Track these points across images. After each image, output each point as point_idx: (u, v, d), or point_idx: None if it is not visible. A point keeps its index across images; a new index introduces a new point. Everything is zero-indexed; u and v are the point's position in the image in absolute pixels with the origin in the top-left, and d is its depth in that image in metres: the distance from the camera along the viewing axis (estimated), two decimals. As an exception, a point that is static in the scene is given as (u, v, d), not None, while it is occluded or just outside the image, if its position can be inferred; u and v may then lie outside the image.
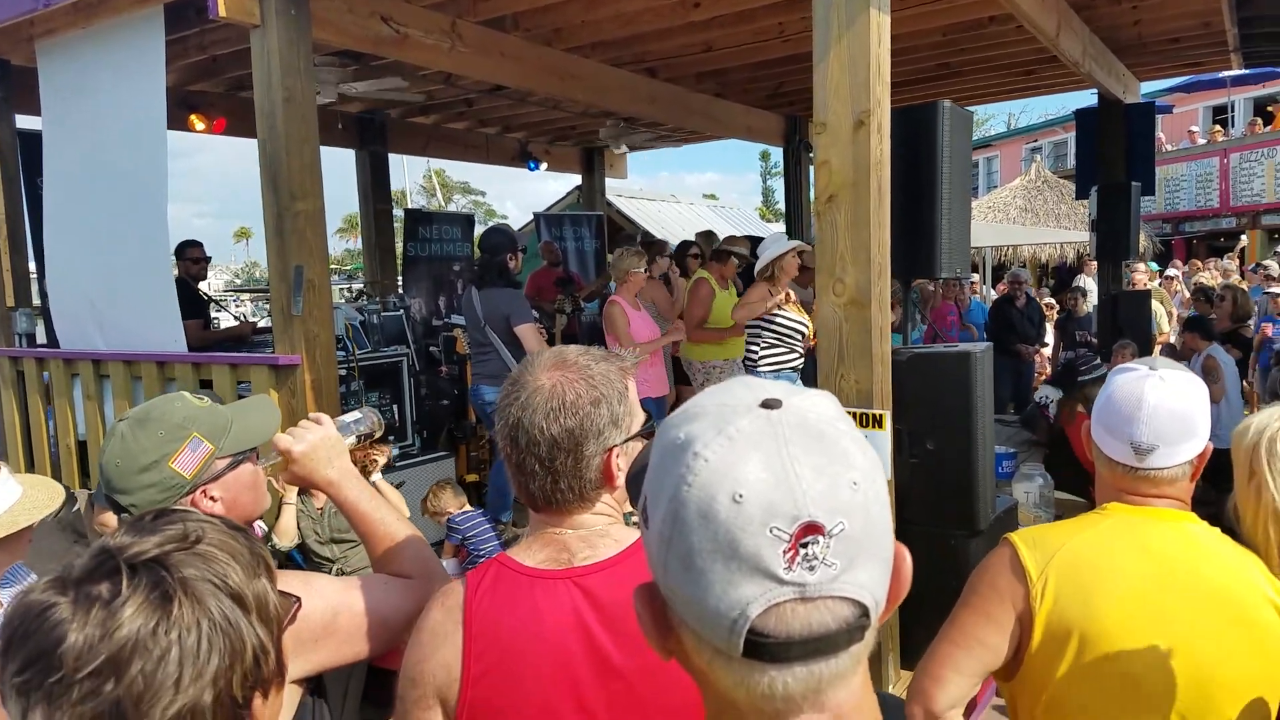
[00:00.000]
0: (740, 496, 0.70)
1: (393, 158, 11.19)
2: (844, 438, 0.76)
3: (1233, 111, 24.37)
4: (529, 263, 10.70)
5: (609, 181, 13.49)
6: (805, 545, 0.70)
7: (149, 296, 5.53)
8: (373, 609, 1.73)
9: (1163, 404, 1.77)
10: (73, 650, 0.97)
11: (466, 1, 6.05)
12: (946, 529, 4.31)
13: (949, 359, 4.41)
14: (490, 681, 1.47)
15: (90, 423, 6.08)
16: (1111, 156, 8.56)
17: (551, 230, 12.36)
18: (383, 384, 6.96)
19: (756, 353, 6.59)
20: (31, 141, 6.60)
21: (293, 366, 5.03)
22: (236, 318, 9.30)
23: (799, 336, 6.56)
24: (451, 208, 45.85)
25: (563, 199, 16.10)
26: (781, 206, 13.28)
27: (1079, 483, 5.66)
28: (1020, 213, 19.86)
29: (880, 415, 3.90)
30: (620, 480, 1.54)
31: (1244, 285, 12.34)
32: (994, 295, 14.06)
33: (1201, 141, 22.73)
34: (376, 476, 5.03)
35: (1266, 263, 13.63)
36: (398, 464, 6.55)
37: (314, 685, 1.70)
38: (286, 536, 4.87)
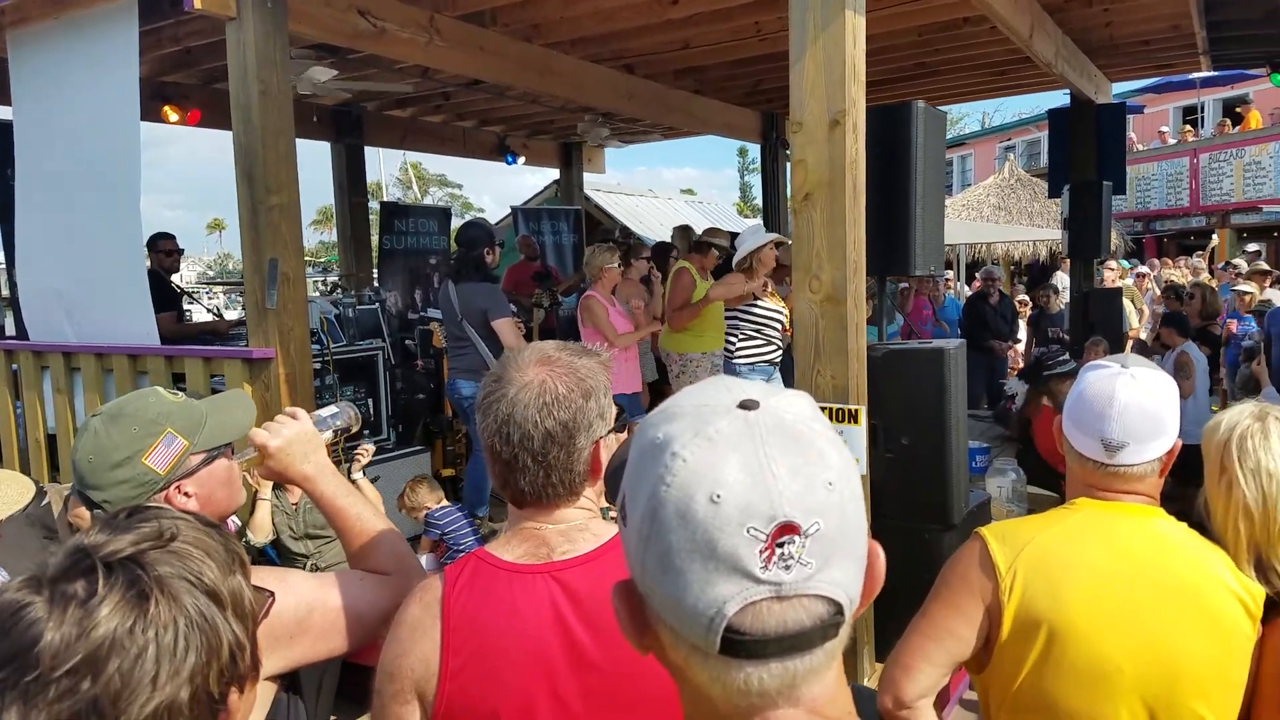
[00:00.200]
0: (718, 497, 0.71)
1: (369, 150, 11.14)
2: (819, 438, 0.77)
3: (1202, 112, 24.63)
4: (506, 256, 10.68)
5: (587, 176, 13.47)
6: (781, 545, 0.71)
7: (121, 288, 5.48)
8: (348, 605, 1.73)
9: (1133, 402, 1.79)
10: (49, 649, 0.97)
11: (445, -4, 6.03)
12: (921, 523, 4.36)
13: (923, 355, 4.45)
14: (468, 675, 1.48)
15: (60, 416, 6.02)
16: (1083, 156, 8.65)
17: (529, 224, 12.34)
18: (358, 378, 6.93)
19: (734, 344, 6.61)
20: (1, 131, 6.53)
21: (267, 360, 5.00)
22: (209, 310, 9.25)
23: (777, 326, 6.59)
24: (428, 200, 45.66)
25: (540, 193, 16.07)
26: (759, 202, 13.30)
27: (1050, 477, 5.73)
28: (994, 211, 20.00)
29: (856, 410, 3.93)
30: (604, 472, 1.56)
31: (1213, 283, 12.49)
32: (968, 292, 14.14)
33: (1172, 141, 22.98)
34: (358, 475, 5.01)
35: (1236, 261, 13.80)
36: (373, 458, 6.53)
37: (288, 681, 1.70)
38: (261, 532, 4.85)
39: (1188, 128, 23.88)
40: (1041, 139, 23.13)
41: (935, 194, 4.62)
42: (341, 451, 5.03)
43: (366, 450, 5.18)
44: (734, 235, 8.05)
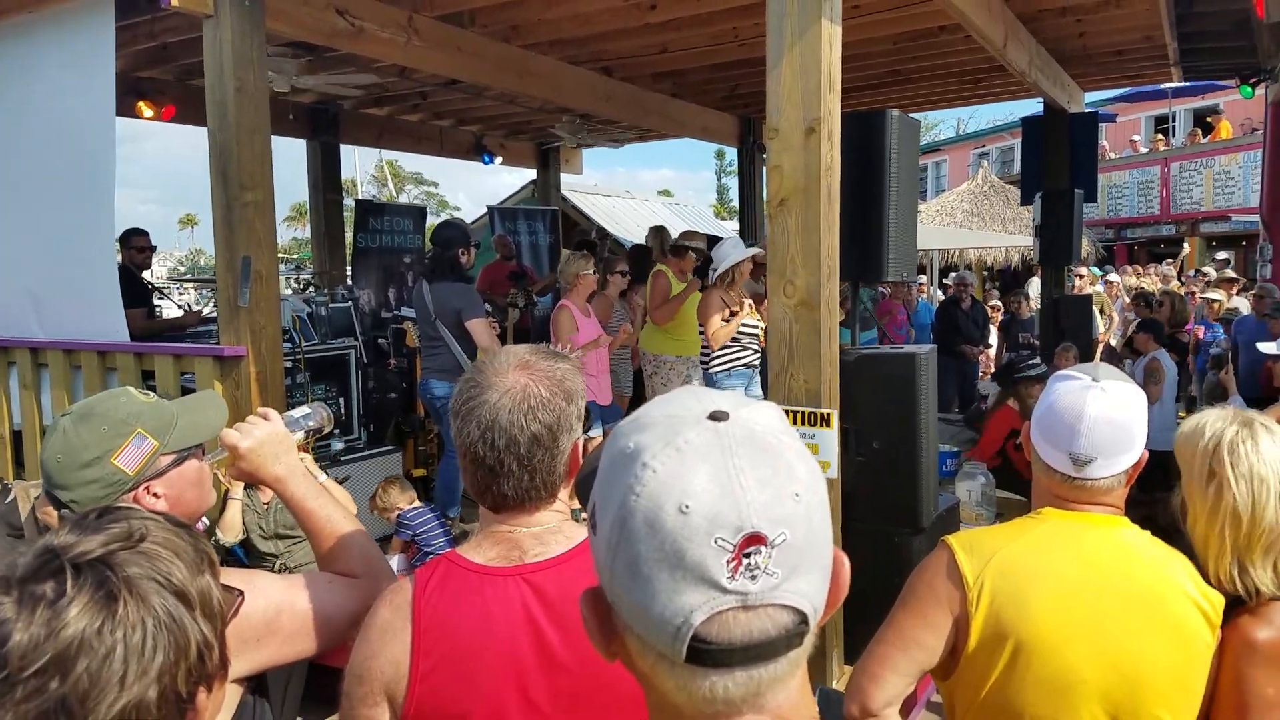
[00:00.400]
0: (687, 507, 0.72)
1: (344, 147, 11.10)
2: (788, 450, 0.78)
3: (1174, 122, 24.88)
4: (482, 256, 10.67)
5: (564, 177, 13.45)
6: (748, 555, 0.72)
7: (91, 284, 5.43)
8: (316, 608, 1.72)
9: (1103, 416, 1.79)
10: (17, 650, 0.97)
11: (423, -4, 6.02)
12: (890, 526, 4.40)
13: (895, 360, 4.49)
14: (439, 678, 1.48)
15: (26, 413, 5.96)
16: (1055, 164, 8.74)
17: (505, 224, 12.32)
18: (329, 376, 6.89)
19: (709, 351, 6.64)
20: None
21: (238, 358, 4.98)
22: (180, 306, 9.18)
23: (753, 337, 6.63)
24: (403, 198, 45.44)
25: (517, 193, 16.03)
26: (736, 204, 13.33)
27: (1019, 480, 5.78)
28: (967, 216, 20.13)
29: (828, 414, 3.96)
30: None
31: (1183, 291, 12.63)
32: (941, 297, 14.23)
33: (1144, 150, 23.21)
34: (324, 478, 4.99)
35: (1205, 269, 13.96)
36: (343, 458, 6.51)
37: (255, 684, 1.69)
38: (231, 532, 4.82)
39: (1159, 137, 24.13)
40: (1015, 146, 23.31)
41: (909, 201, 4.66)
42: (313, 451, 5.00)
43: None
44: (711, 238, 8.09)
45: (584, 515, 0.91)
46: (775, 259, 4.00)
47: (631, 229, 15.28)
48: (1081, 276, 11.48)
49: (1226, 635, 1.84)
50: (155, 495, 1.78)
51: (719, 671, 0.74)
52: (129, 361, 5.39)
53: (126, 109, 7.79)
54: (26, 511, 3.84)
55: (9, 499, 3.72)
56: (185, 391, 5.15)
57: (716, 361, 6.60)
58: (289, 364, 6.13)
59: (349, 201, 13.79)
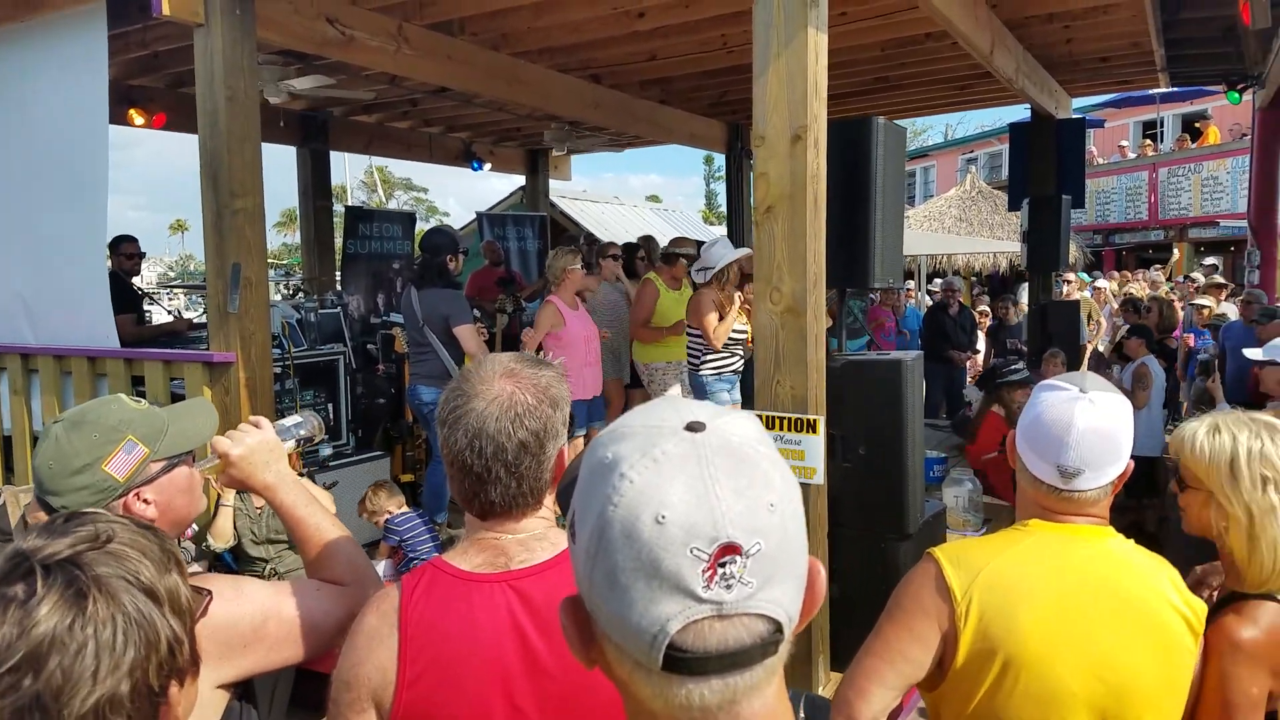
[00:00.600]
0: (663, 518, 0.74)
1: (334, 153, 11.11)
2: (764, 460, 0.79)
3: (1162, 127, 24.97)
4: (470, 262, 10.67)
5: (553, 183, 13.47)
6: (723, 565, 0.73)
7: (81, 291, 5.44)
8: (304, 614, 1.74)
9: (1091, 428, 1.79)
10: None
11: (413, 5, 6.02)
12: (877, 532, 4.40)
13: (881, 366, 4.49)
14: (426, 684, 1.49)
15: (16, 418, 5.97)
16: (1043, 170, 8.76)
17: (494, 230, 12.32)
18: (318, 382, 6.90)
19: (699, 356, 6.66)
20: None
21: (227, 364, 4.99)
22: (170, 312, 9.17)
23: (740, 343, 6.65)
24: (393, 204, 45.48)
25: (506, 198, 16.04)
26: (724, 209, 13.37)
27: (1006, 486, 5.80)
28: (955, 222, 20.15)
29: (815, 420, 3.97)
30: None
31: (1173, 297, 12.69)
32: (929, 302, 14.26)
33: (1132, 156, 23.28)
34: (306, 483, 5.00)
35: (1194, 275, 14.02)
36: (331, 464, 6.51)
37: (241, 690, 1.71)
38: (221, 538, 4.83)
39: (1147, 142, 24.23)
40: (1003, 151, 23.39)
41: (895, 208, 4.68)
42: (302, 457, 5.01)
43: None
44: (699, 245, 8.11)
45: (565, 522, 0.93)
46: (762, 265, 4.02)
47: (620, 234, 15.27)
48: (1069, 282, 11.51)
49: (1211, 635, 1.86)
50: (146, 502, 1.79)
51: (695, 680, 0.75)
52: (119, 367, 5.39)
53: (118, 117, 7.80)
54: (17, 517, 3.84)
55: (-2, 504, 3.72)
56: (175, 397, 5.16)
57: (706, 367, 6.62)
58: (278, 370, 6.13)
59: (339, 208, 13.77)
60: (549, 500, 1.62)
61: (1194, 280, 12.96)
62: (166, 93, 8.36)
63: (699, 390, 6.61)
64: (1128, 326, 8.85)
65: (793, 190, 3.90)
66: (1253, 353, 5.63)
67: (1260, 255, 11.67)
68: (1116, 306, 12.55)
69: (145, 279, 12.61)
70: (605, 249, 8.36)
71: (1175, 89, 10.95)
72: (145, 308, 8.05)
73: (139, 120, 8.19)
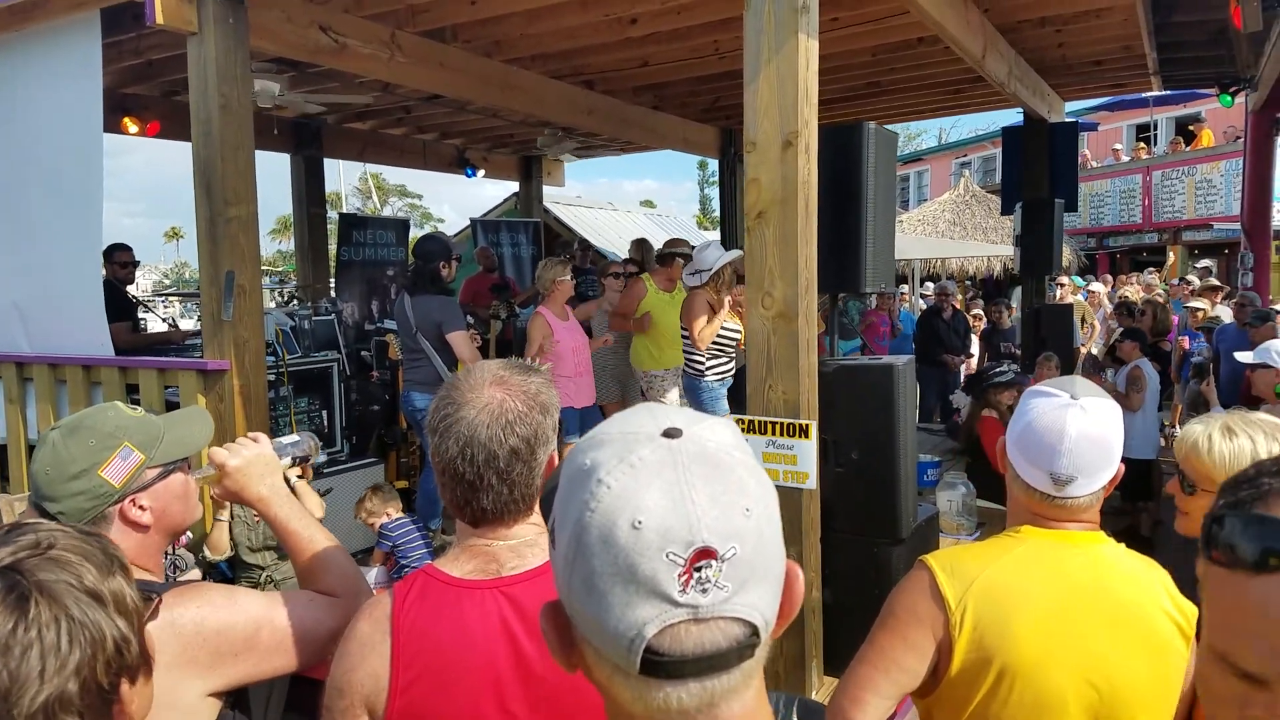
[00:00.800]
0: (639, 523, 0.75)
1: (328, 160, 11.12)
2: (740, 466, 0.80)
3: (1156, 130, 24.98)
4: (465, 268, 10.68)
5: (547, 188, 13.47)
6: (699, 569, 0.74)
7: (76, 299, 5.45)
8: (296, 624, 1.76)
9: (1084, 435, 1.79)
10: None
11: (406, 13, 6.03)
12: (870, 537, 4.40)
13: (873, 371, 4.50)
14: (419, 690, 1.50)
15: (11, 427, 5.97)
16: (1036, 173, 8.78)
17: (488, 236, 12.34)
18: (312, 389, 6.91)
19: (702, 364, 6.65)
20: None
21: (221, 372, 5.00)
22: (164, 320, 9.17)
23: (734, 342, 6.67)
24: (388, 211, 45.49)
25: (501, 204, 16.04)
26: (718, 214, 13.39)
27: (1001, 491, 5.79)
28: (949, 226, 20.16)
29: (807, 425, 3.98)
30: None
31: (1167, 300, 12.70)
32: (923, 306, 14.28)
33: (1125, 159, 23.30)
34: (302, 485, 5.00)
35: (1189, 277, 14.04)
36: (326, 470, 6.52)
37: (234, 699, 1.72)
38: (217, 550, 4.84)
39: (1141, 145, 24.23)
40: (997, 155, 23.43)
41: (886, 212, 4.69)
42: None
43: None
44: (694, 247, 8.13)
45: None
46: (753, 271, 4.03)
47: (614, 240, 15.31)
48: (1062, 286, 11.53)
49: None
50: (141, 508, 1.80)
51: (672, 683, 0.76)
52: (113, 375, 5.40)
53: (112, 125, 7.80)
54: (9, 527, 3.84)
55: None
56: (170, 405, 5.17)
57: (711, 374, 6.62)
58: (272, 377, 6.14)
59: (333, 214, 13.78)
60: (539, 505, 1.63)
61: (1189, 283, 12.97)
62: (161, 101, 8.36)
63: (703, 397, 6.60)
64: (1121, 329, 8.85)
65: (784, 196, 3.91)
66: (1243, 356, 5.64)
67: (1253, 258, 11.70)
68: (1110, 310, 12.55)
69: (141, 286, 12.63)
70: (606, 268, 8.34)
71: (1168, 92, 10.98)
72: (140, 315, 8.05)
73: (133, 128, 8.19)
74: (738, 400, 6.07)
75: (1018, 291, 13.21)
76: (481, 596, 1.55)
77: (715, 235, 15.89)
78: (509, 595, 1.55)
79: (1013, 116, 13.29)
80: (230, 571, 5.03)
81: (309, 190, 10.80)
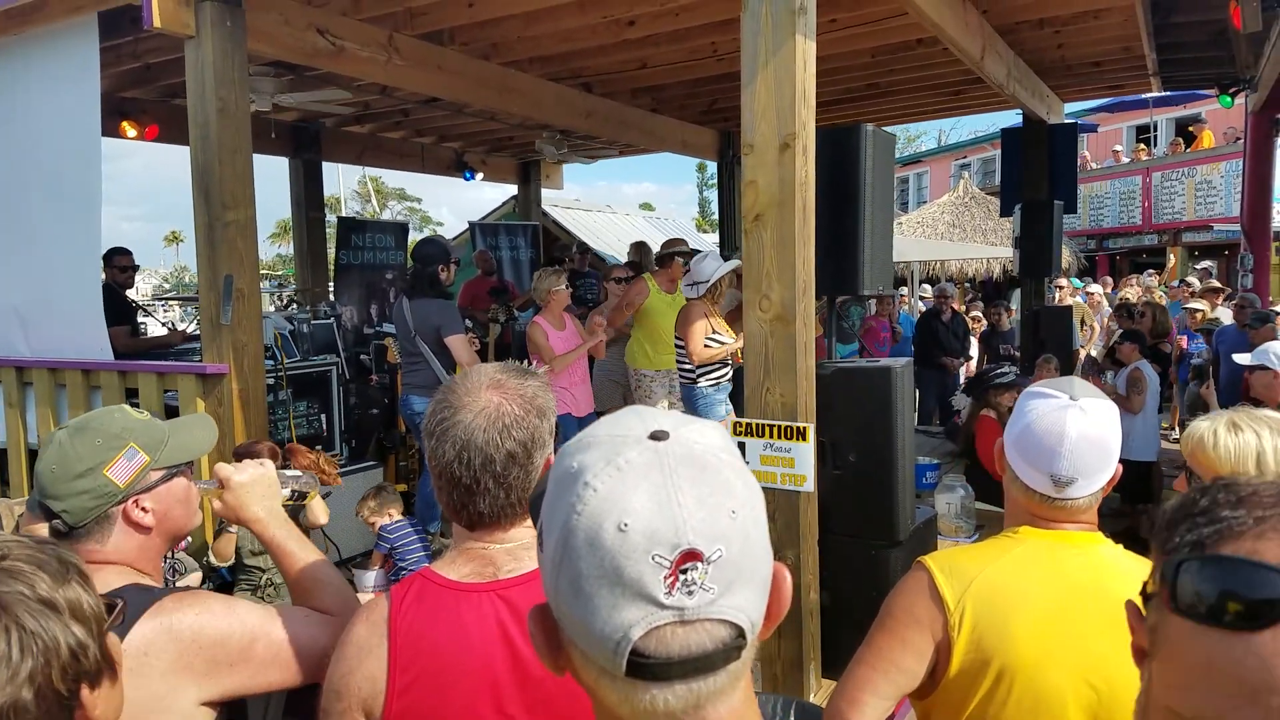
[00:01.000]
0: (625, 525, 0.75)
1: (328, 163, 11.13)
2: (726, 468, 0.80)
3: (1155, 131, 24.94)
4: (463, 272, 10.69)
5: (545, 192, 13.49)
6: (685, 571, 0.74)
7: (76, 303, 5.46)
8: (291, 639, 1.76)
9: (1083, 437, 1.79)
10: None
11: (403, 15, 6.04)
12: (868, 539, 4.40)
13: (871, 374, 4.50)
14: (416, 692, 1.51)
15: (11, 431, 5.97)
16: (1035, 175, 8.78)
17: (487, 239, 12.35)
18: (311, 393, 6.92)
19: (693, 371, 6.63)
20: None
21: (220, 375, 5.00)
22: (164, 324, 9.18)
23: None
24: (387, 214, 45.50)
25: (499, 208, 16.06)
26: (717, 217, 13.41)
27: (999, 494, 5.79)
28: (948, 228, 20.13)
29: (804, 428, 3.97)
30: None
31: (1167, 301, 12.69)
32: (922, 308, 14.27)
33: (1125, 160, 23.28)
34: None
35: (1189, 279, 14.03)
36: (326, 474, 6.52)
37: (229, 712, 1.73)
38: (220, 558, 4.84)
39: (1141, 146, 24.20)
40: (996, 157, 23.41)
41: (884, 214, 4.69)
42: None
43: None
44: (693, 251, 8.12)
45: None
46: (751, 273, 4.03)
47: (613, 243, 15.31)
48: (1061, 288, 11.53)
49: None
50: (144, 509, 1.81)
51: (659, 685, 0.76)
52: (113, 379, 5.41)
53: (110, 129, 7.80)
54: (10, 529, 3.86)
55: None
56: (169, 409, 5.18)
57: (704, 380, 6.60)
58: (271, 381, 6.14)
59: (332, 218, 13.80)
60: None
61: (1189, 285, 12.96)
62: (159, 104, 8.38)
63: (698, 404, 6.59)
64: (1120, 331, 8.84)
65: (781, 198, 3.90)
66: (1241, 357, 5.63)
67: (1253, 259, 11.70)
68: (1110, 311, 12.55)
69: (140, 290, 12.63)
70: (610, 272, 8.35)
71: (1168, 93, 10.97)
72: (140, 320, 8.06)
73: (131, 132, 8.20)
74: (740, 403, 6.07)
75: (1017, 293, 13.22)
76: (478, 599, 1.55)
77: (714, 238, 15.90)
78: (506, 598, 1.55)
79: (1012, 118, 13.30)
80: (230, 575, 5.03)
81: (308, 194, 10.81)
